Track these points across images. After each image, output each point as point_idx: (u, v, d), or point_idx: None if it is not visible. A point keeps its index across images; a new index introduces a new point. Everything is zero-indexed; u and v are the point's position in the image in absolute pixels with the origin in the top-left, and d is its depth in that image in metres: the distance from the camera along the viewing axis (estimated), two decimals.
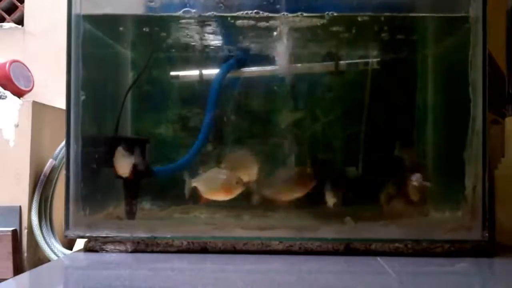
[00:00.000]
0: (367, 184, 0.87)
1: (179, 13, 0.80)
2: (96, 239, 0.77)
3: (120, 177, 0.84)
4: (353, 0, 0.80)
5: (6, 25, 1.27)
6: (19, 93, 1.09)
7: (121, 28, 0.90)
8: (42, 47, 1.23)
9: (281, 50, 0.85)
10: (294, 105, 0.92)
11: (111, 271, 0.67)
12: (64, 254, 0.95)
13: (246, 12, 0.79)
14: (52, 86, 1.17)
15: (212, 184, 0.83)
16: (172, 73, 0.94)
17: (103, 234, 0.77)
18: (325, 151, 0.93)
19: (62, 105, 0.79)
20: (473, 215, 0.74)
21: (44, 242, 0.96)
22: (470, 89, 0.75)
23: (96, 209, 0.82)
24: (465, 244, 0.75)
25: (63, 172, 0.80)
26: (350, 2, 0.80)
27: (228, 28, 0.85)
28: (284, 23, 0.81)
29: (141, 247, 0.77)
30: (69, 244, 1.01)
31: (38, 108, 0.99)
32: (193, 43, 0.90)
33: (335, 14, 0.79)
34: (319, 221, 0.79)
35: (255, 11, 0.79)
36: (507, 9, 0.93)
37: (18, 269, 0.92)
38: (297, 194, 0.83)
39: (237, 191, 0.82)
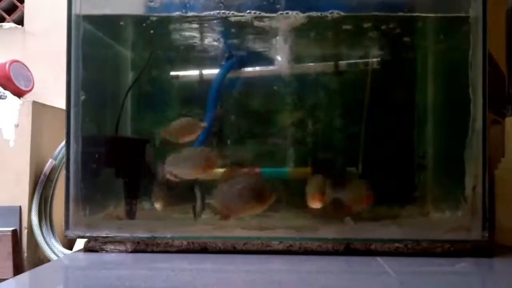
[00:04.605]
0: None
1: (179, 13, 0.80)
2: (96, 239, 0.77)
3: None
4: (353, 0, 0.80)
5: (6, 25, 1.27)
6: (19, 93, 1.09)
7: (121, 28, 0.90)
8: (42, 47, 1.23)
9: (282, 50, 0.86)
10: (294, 105, 0.92)
11: (111, 271, 0.67)
12: (64, 254, 0.95)
13: (246, 11, 0.79)
14: (52, 86, 1.17)
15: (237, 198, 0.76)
16: (172, 73, 0.94)
17: (103, 234, 0.77)
18: (325, 151, 0.93)
19: (62, 105, 0.79)
20: (473, 215, 0.74)
21: (44, 242, 0.96)
22: (470, 89, 0.75)
23: (96, 209, 0.82)
24: (465, 244, 0.75)
25: (63, 172, 0.80)
26: (350, 2, 0.80)
27: (228, 28, 0.85)
28: (284, 23, 0.81)
29: (141, 247, 0.77)
30: (69, 244, 1.01)
31: (38, 108, 0.99)
32: (193, 43, 0.90)
33: (335, 14, 0.79)
34: (319, 221, 0.79)
35: (256, 11, 0.79)
36: (507, 9, 0.93)
37: (18, 269, 0.93)
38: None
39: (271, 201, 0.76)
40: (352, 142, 0.92)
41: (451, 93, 0.86)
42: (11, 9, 1.30)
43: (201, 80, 0.92)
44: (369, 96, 0.91)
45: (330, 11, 0.78)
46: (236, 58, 0.89)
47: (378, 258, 0.72)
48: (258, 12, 0.79)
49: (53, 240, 0.98)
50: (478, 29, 0.74)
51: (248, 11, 0.79)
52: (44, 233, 0.97)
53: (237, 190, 0.75)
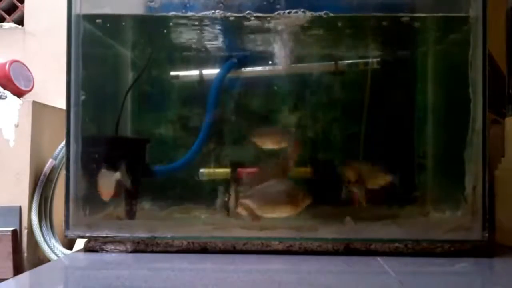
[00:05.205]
0: None
1: (179, 13, 0.80)
2: (96, 239, 0.77)
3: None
4: (353, 0, 0.80)
5: (6, 25, 1.27)
6: (19, 93, 1.09)
7: (121, 28, 0.90)
8: (42, 47, 1.23)
9: (281, 50, 0.86)
10: (294, 105, 0.92)
11: (111, 271, 0.67)
12: (64, 254, 0.95)
13: (246, 12, 0.79)
14: (52, 86, 1.17)
15: (270, 199, 0.76)
16: (172, 73, 0.94)
17: (103, 234, 0.77)
18: (325, 151, 0.93)
19: (62, 105, 0.79)
20: (473, 215, 0.74)
21: (44, 242, 0.96)
22: (470, 89, 0.75)
23: (96, 209, 0.82)
24: (465, 244, 0.75)
25: (63, 172, 0.80)
26: (350, 1, 0.80)
27: (228, 28, 0.85)
28: (284, 23, 0.81)
29: (141, 247, 0.77)
30: (69, 244, 1.01)
31: (38, 108, 0.99)
32: (193, 43, 0.90)
33: (334, 14, 0.79)
34: (319, 221, 0.79)
35: (256, 11, 0.79)
36: (507, 9, 0.93)
37: (18, 269, 0.93)
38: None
39: (305, 205, 0.76)
40: (352, 142, 0.92)
41: (451, 93, 0.86)
42: (11, 9, 1.30)
43: (201, 80, 0.92)
44: (369, 96, 0.91)
45: (328, 11, 0.78)
46: (236, 58, 0.89)
47: (378, 258, 0.72)
48: (258, 12, 0.79)
49: (53, 240, 0.98)
50: (478, 29, 0.74)
51: (248, 11, 0.79)
52: (44, 233, 0.97)
53: (272, 193, 0.77)
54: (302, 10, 0.78)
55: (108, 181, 0.81)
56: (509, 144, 0.86)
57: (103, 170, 0.81)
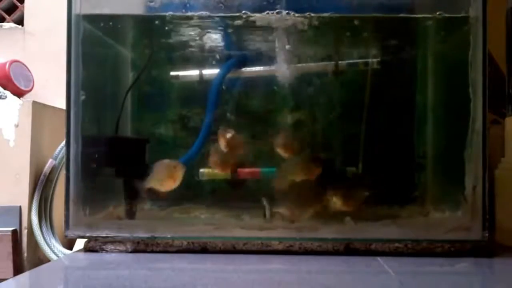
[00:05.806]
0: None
1: (179, 13, 0.80)
2: (96, 239, 0.77)
3: None
4: (353, 1, 0.80)
5: (6, 25, 1.27)
6: (19, 93, 1.09)
7: (121, 28, 0.90)
8: (42, 47, 1.23)
9: (281, 50, 0.85)
10: (293, 105, 0.92)
11: (111, 271, 0.67)
12: (64, 254, 0.95)
13: (246, 12, 0.79)
14: (52, 86, 1.17)
15: (300, 203, 0.81)
16: (172, 73, 0.94)
17: (103, 234, 0.77)
18: (325, 151, 0.93)
19: (62, 105, 0.79)
20: (473, 215, 0.74)
21: (44, 242, 0.96)
22: (470, 89, 0.75)
23: (96, 209, 0.82)
24: (465, 244, 0.75)
25: (63, 172, 0.80)
26: (349, 2, 0.80)
27: (228, 28, 0.85)
28: (284, 23, 0.81)
29: (141, 247, 0.77)
30: (69, 244, 1.01)
31: (38, 108, 0.99)
32: (193, 43, 0.90)
33: (334, 14, 0.79)
34: (319, 221, 0.79)
35: (255, 11, 0.79)
36: (507, 9, 0.93)
37: (18, 269, 0.93)
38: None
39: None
40: (352, 142, 0.92)
41: (451, 93, 0.86)
42: (11, 9, 1.30)
43: (201, 80, 0.92)
44: (369, 96, 0.91)
45: (328, 12, 0.78)
46: (236, 58, 0.89)
47: (378, 258, 0.72)
48: (258, 12, 0.79)
49: (53, 240, 0.98)
50: (478, 29, 0.74)
51: (247, 11, 0.79)
52: (44, 233, 0.97)
53: (299, 196, 0.81)
54: (302, 11, 0.79)
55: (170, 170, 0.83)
56: (509, 144, 0.86)
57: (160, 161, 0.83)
